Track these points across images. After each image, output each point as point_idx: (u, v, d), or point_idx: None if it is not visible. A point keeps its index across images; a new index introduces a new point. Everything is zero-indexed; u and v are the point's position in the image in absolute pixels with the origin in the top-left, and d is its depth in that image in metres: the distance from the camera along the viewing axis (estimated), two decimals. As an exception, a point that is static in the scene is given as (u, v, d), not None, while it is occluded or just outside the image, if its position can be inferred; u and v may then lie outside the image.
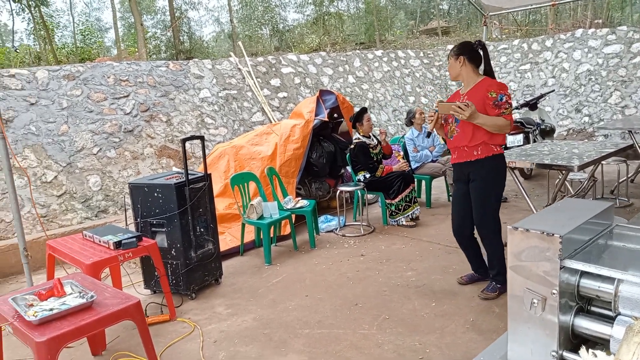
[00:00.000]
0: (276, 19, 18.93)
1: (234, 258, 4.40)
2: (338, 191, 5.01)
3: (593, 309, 0.99)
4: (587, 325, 0.94)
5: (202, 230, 3.61)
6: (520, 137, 6.35)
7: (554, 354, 0.92)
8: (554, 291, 0.90)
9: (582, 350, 0.90)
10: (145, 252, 3.13)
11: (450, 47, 11.47)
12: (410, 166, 5.47)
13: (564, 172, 3.76)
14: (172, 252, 3.51)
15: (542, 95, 7.35)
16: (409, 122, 5.78)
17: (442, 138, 5.34)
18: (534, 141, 6.44)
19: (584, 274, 0.96)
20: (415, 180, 5.29)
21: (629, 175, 5.21)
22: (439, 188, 6.01)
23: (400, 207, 4.93)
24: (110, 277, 3.50)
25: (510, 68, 10.13)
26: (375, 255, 4.20)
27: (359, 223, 5.05)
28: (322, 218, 5.18)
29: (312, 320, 3.10)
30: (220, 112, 7.42)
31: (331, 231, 4.99)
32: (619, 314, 0.90)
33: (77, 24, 19.39)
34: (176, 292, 3.55)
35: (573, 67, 9.13)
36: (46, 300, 2.30)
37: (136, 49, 17.70)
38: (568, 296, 0.94)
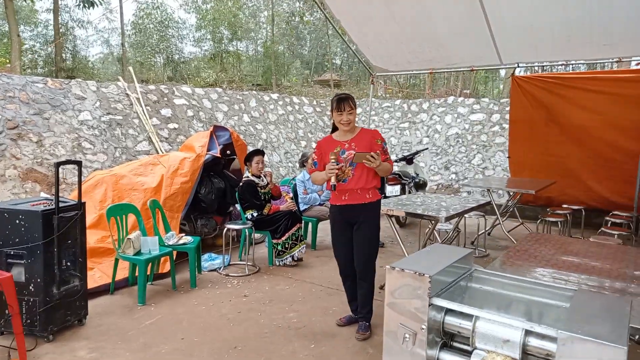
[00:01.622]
0: (172, 49, 18.53)
1: (103, 297, 4.02)
2: (225, 229, 4.92)
3: (455, 344, 1.11)
4: (450, 358, 1.05)
5: (68, 264, 3.27)
6: (397, 188, 6.90)
7: (421, 385, 1.01)
8: (423, 326, 1.00)
9: (445, 381, 1.00)
10: (-4, 286, 2.74)
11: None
12: (298, 207, 5.59)
13: (433, 222, 4.16)
14: (30, 287, 3.11)
15: (417, 152, 8.14)
16: (302, 164, 5.97)
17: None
18: (409, 192, 7.05)
19: (448, 311, 1.08)
20: (303, 221, 5.41)
21: (486, 229, 5.91)
22: (324, 230, 6.20)
23: (287, 246, 4.98)
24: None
25: (392, 125, 11.07)
26: (259, 296, 4.15)
27: (244, 262, 4.98)
28: (205, 256, 5.01)
29: (187, 364, 2.94)
30: (100, 137, 6.93)
31: (214, 270, 4.83)
32: (476, 348, 1.03)
33: None
34: (30, 334, 3.12)
35: (444, 129, 10.28)
36: None
37: (8, 61, 15.92)
38: (435, 332, 1.05)
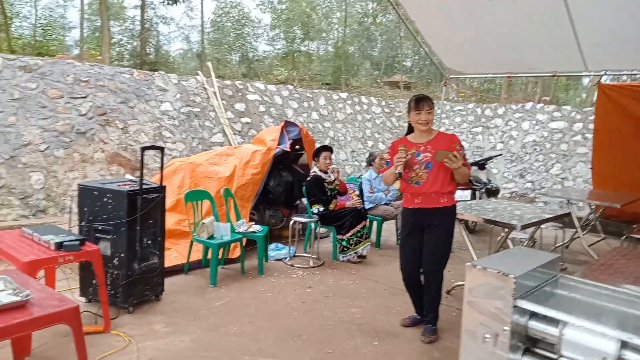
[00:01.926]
0: (247, 47, 19.15)
1: (178, 276, 4.26)
2: (291, 221, 5.03)
3: (537, 350, 1.08)
4: (534, 362, 1.02)
5: (149, 242, 3.50)
6: (468, 193, 6.69)
7: (504, 386, 0.99)
8: (506, 328, 0.98)
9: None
10: (86, 257, 2.99)
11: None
12: (363, 205, 5.60)
13: (506, 230, 4.00)
14: (115, 261, 3.36)
15: (491, 157, 7.83)
16: (369, 163, 5.97)
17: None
18: (480, 198, 6.81)
19: (532, 315, 1.04)
20: (368, 219, 5.41)
21: (564, 242, 5.58)
22: (389, 231, 6.17)
23: (351, 242, 5.00)
24: (45, 280, 3.29)
25: (464, 128, 10.74)
26: (323, 289, 4.21)
27: (309, 255, 5.07)
28: (272, 246, 5.15)
29: (253, 347, 3.04)
30: (180, 128, 7.33)
31: (280, 260, 4.96)
32: (561, 356, 0.99)
33: (39, 17, 18.71)
34: (113, 304, 3.37)
35: (521, 136, 9.82)
36: (-25, 294, 2.14)
37: (98, 53, 17.24)
38: (518, 336, 1.02)
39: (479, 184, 6.97)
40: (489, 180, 7.33)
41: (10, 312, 2.00)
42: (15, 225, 4.74)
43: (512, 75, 7.11)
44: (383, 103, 11.88)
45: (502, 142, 9.99)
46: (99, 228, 3.36)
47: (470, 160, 8.67)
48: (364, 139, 10.39)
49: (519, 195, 9.02)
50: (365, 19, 20.67)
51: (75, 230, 3.44)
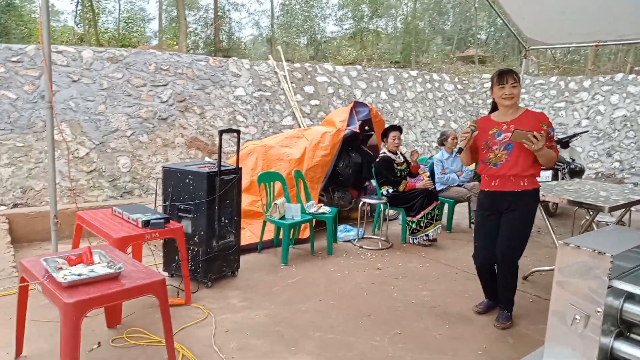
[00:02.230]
0: (315, 29, 19.17)
1: (252, 254, 4.44)
2: (360, 203, 5.03)
3: (633, 335, 1.00)
4: (627, 350, 0.95)
5: (226, 221, 3.67)
6: (549, 174, 6.29)
7: (591, 372, 0.94)
8: (599, 310, 0.91)
9: (621, 372, 0.91)
10: (171, 234, 3.20)
11: (487, 75, 11.46)
12: (434, 186, 5.46)
13: (592, 212, 3.72)
14: (195, 238, 3.57)
15: (575, 135, 7.29)
16: (441, 143, 5.79)
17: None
18: (562, 179, 6.38)
19: (627, 298, 0.97)
20: (439, 201, 5.28)
21: (657, 225, 5.12)
22: (461, 214, 5.97)
23: (421, 224, 4.91)
24: (132, 255, 3.56)
25: (545, 104, 10.06)
26: (392, 271, 4.19)
27: (378, 237, 5.06)
28: (341, 227, 5.20)
29: (324, 324, 3.12)
30: (252, 112, 7.54)
31: (349, 241, 5.00)
32: (662, 341, 0.91)
33: (122, 11, 19.93)
34: (193, 279, 3.60)
35: (609, 111, 9.02)
36: (75, 265, 2.37)
37: (175, 42, 18.10)
38: (611, 318, 0.95)
39: (562, 164, 6.52)
40: (573, 160, 6.83)
41: (105, 282, 2.21)
42: (105, 205, 5.17)
43: (600, 44, 6.52)
44: (456, 79, 11.41)
45: (588, 118, 9.24)
46: (181, 207, 3.58)
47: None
48: (435, 118, 10.08)
49: (605, 175, 8.33)
50: (436, -8, 19.86)
51: (160, 209, 3.68)
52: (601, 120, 9.04)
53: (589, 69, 13.83)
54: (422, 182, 5.17)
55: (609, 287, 0.92)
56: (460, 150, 3.13)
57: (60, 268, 2.32)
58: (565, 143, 6.97)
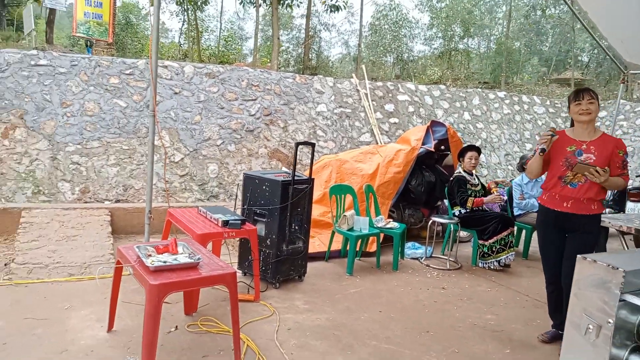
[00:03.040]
0: (402, 48, 19.27)
1: (319, 262, 4.64)
2: (430, 221, 5.04)
3: (653, 353, 1.03)
4: (640, 363, 0.99)
5: (296, 227, 3.91)
6: (642, 206, 5.81)
7: (600, 380, 0.99)
8: (610, 321, 0.97)
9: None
10: (246, 234, 3.50)
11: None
12: (511, 210, 5.30)
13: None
14: (267, 241, 3.85)
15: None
16: (521, 167, 5.62)
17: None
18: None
19: (647, 315, 1.01)
20: (516, 227, 5.11)
21: None
22: (539, 241, 5.71)
23: (493, 249, 4.80)
24: (211, 251, 3.92)
25: (648, 132, 9.26)
26: (457, 292, 4.16)
27: (446, 257, 5.01)
28: (409, 244, 5.23)
29: (381, 334, 3.20)
30: (332, 127, 7.83)
31: (416, 259, 5.02)
32: (676, 358, 0.95)
33: (223, 30, 21.51)
34: (263, 279, 3.87)
35: None
36: (162, 254, 2.72)
37: (268, 60, 19.16)
38: (626, 332, 1.00)
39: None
40: (675, 193, 6.23)
41: (185, 270, 2.51)
42: (193, 205, 5.68)
43: None
44: (547, 102, 10.88)
45: (700, 150, 8.36)
46: (257, 211, 3.88)
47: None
48: (522, 142, 9.68)
49: None
50: (533, 12, 19.06)
51: (239, 212, 4.02)
52: None
53: None
54: (490, 197, 4.99)
55: (621, 301, 0.97)
56: (543, 151, 3.03)
57: (150, 255, 2.67)
58: (665, 174, 6.40)
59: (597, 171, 2.78)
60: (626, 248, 3.63)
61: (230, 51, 20.62)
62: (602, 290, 0.99)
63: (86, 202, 5.65)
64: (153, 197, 6.07)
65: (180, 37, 20.07)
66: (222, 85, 7.34)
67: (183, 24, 18.49)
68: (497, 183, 5.59)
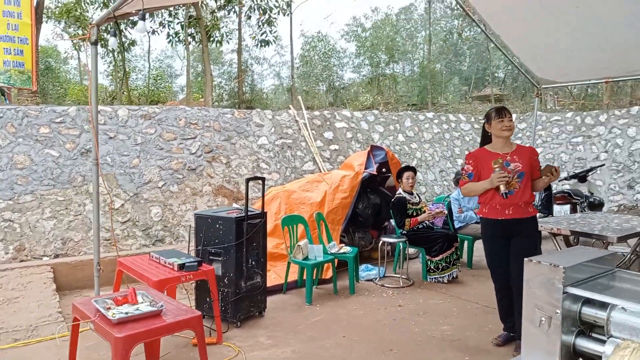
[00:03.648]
0: (333, 76, 19.96)
1: (277, 295, 4.65)
2: (380, 242, 5.22)
3: (593, 334, 1.20)
4: (585, 344, 1.16)
5: (253, 263, 3.93)
6: (567, 208, 6.39)
7: (556, 366, 1.14)
8: (558, 311, 1.13)
9: (579, 363, 1.11)
10: (204, 276, 3.47)
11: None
12: (452, 225, 5.62)
13: (604, 243, 3.84)
14: (225, 280, 3.83)
15: (592, 169, 7.39)
16: (456, 182, 6.00)
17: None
18: (582, 212, 6.44)
19: (585, 302, 1.18)
20: (458, 239, 5.42)
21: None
22: (481, 250, 6.06)
23: (439, 267, 5.05)
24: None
25: (562, 140, 10.19)
26: (413, 307, 4.33)
27: (399, 275, 5.20)
28: (362, 267, 5.38)
29: (348, 358, 3.27)
30: (275, 159, 7.93)
31: (371, 280, 5.16)
32: (610, 336, 1.12)
33: (152, 69, 21.20)
34: (223, 319, 3.82)
35: (627, 144, 9.09)
36: (121, 305, 2.65)
37: (201, 96, 19.07)
38: (571, 320, 1.17)
39: (579, 198, 6.60)
40: (591, 193, 6.91)
41: (150, 319, 2.47)
42: (139, 253, 5.50)
43: (609, 80, 6.74)
44: (472, 119, 11.68)
45: (606, 152, 9.31)
46: (212, 251, 3.86)
47: (571, 173, 8.22)
48: (453, 158, 10.29)
49: (627, 208, 8.30)
50: (451, 36, 20.52)
51: (192, 253, 3.97)
52: (620, 153, 9.10)
53: (605, 103, 13.94)
54: (423, 215, 5.25)
55: (564, 293, 1.14)
56: (506, 195, 3.13)
57: (109, 308, 2.60)
58: (582, 177, 7.08)
59: (556, 170, 3.18)
60: (559, 248, 3.98)
61: (161, 90, 20.33)
62: (548, 286, 1.15)
63: (22, 261, 5.30)
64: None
65: (106, 78, 19.54)
66: (159, 125, 7.25)
67: (109, 66, 18.05)
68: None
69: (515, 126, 11.00)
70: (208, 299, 3.80)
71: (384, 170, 6.04)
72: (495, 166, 3.15)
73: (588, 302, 1.17)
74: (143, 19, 2.94)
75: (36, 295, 4.05)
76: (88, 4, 13.98)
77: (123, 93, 16.52)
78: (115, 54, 16.51)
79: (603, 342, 1.14)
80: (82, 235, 5.78)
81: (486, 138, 3.48)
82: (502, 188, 3.11)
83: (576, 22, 5.35)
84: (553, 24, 5.51)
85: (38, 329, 3.60)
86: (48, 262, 4.92)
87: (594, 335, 1.19)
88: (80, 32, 14.54)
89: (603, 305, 1.14)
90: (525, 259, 1.23)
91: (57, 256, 5.52)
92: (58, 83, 21.75)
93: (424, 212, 5.33)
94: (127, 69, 17.00)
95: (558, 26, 5.52)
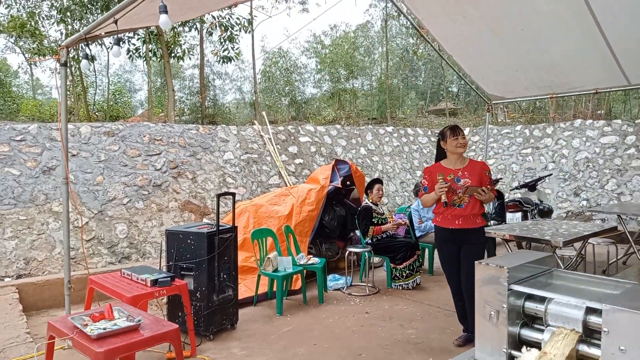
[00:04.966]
0: (295, 91, 20.23)
1: (248, 307, 4.75)
2: (347, 252, 5.43)
3: (535, 325, 1.43)
4: (528, 333, 1.38)
5: (225, 276, 4.03)
6: (518, 215, 6.80)
7: (504, 350, 1.35)
8: (504, 305, 1.35)
9: (523, 348, 1.33)
10: (177, 291, 3.54)
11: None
12: (414, 234, 5.90)
13: (551, 247, 4.18)
14: (197, 294, 3.91)
15: (540, 178, 7.90)
16: (416, 193, 6.31)
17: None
18: (532, 219, 6.89)
19: (528, 298, 1.40)
20: (420, 247, 5.70)
21: (618, 257, 5.57)
22: (441, 257, 6.39)
23: (403, 274, 5.31)
24: (141, 313, 3.86)
25: (513, 151, 10.80)
26: (379, 314, 4.54)
27: (365, 284, 5.41)
28: (330, 277, 5.55)
29: (320, 365, 3.42)
30: (241, 174, 8.03)
31: (338, 289, 5.35)
32: (548, 325, 1.34)
33: (111, 84, 20.80)
34: (196, 332, 3.88)
35: (572, 154, 9.76)
36: (98, 321, 2.71)
37: (161, 110, 18.85)
38: (515, 313, 1.39)
39: (530, 205, 7.06)
40: (541, 201, 7.39)
41: (128, 333, 2.55)
42: (106, 271, 5.46)
43: (554, 96, 7.28)
44: (429, 133, 12.18)
45: (554, 162, 9.96)
46: (184, 266, 3.93)
47: (522, 182, 8.76)
48: (412, 170, 10.69)
49: (574, 214, 8.91)
50: (407, 53, 21.28)
51: (164, 269, 4.02)
52: (566, 162, 9.76)
53: (551, 116, 14.86)
54: (387, 225, 5.54)
55: (509, 290, 1.36)
56: (446, 204, 3.51)
57: (86, 324, 2.65)
58: (532, 186, 7.57)
59: (483, 191, 3.43)
60: (510, 252, 4.29)
61: (119, 105, 19.96)
62: (495, 284, 1.37)
63: (-18, 283, 5.15)
64: (60, 266, 5.74)
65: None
66: (123, 142, 7.22)
67: (66, 80, 17.57)
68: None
69: (468, 140, 11.58)
70: (180, 313, 3.86)
71: (348, 183, 6.28)
72: (439, 178, 3.52)
73: (530, 297, 1.39)
74: (118, 43, 3.05)
75: (2, 316, 3.98)
76: (43, 18, 13.66)
77: (81, 108, 16.13)
78: (73, 69, 16.14)
79: (542, 331, 1.36)
80: (46, 254, 5.68)
81: (441, 153, 3.77)
82: (442, 197, 3.49)
83: (520, 44, 5.82)
84: (500, 45, 5.96)
85: (5, 350, 3.54)
86: (13, 283, 4.82)
87: (535, 326, 1.41)
88: (35, 45, 14.16)
89: (542, 300, 1.36)
90: (476, 262, 1.43)
91: (19, 276, 5.40)
92: (10, 98, 20.94)
93: (389, 222, 5.59)
94: (85, 84, 16.63)
95: (504, 47, 5.98)
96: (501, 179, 9.21)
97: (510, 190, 9.00)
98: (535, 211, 7.11)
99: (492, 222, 6.66)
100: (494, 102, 7.63)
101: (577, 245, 4.75)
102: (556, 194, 9.49)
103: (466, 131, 12.05)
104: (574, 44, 5.61)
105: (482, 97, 7.81)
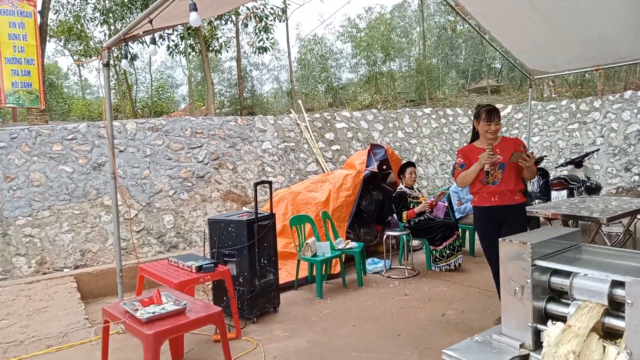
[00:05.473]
0: (331, 78, 20.18)
1: (289, 291, 4.89)
2: (385, 236, 5.45)
3: (562, 300, 1.43)
4: (554, 307, 1.39)
5: (265, 262, 4.17)
6: (564, 193, 6.58)
7: (529, 325, 1.36)
8: (528, 281, 1.36)
9: (549, 322, 1.34)
10: (220, 276, 3.71)
11: (499, 105, 11.91)
12: (453, 216, 5.83)
13: (596, 224, 4.05)
14: (240, 279, 4.07)
15: (587, 154, 7.57)
16: (453, 174, 6.22)
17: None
18: (580, 196, 6.64)
19: (554, 273, 1.41)
20: (460, 229, 5.64)
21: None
22: (483, 239, 6.29)
23: (444, 255, 5.28)
24: (188, 298, 4.07)
25: (559, 127, 10.38)
26: (419, 296, 4.56)
27: (404, 267, 5.43)
28: (369, 260, 5.61)
29: (359, 345, 3.51)
30: (279, 162, 8.17)
31: (377, 273, 5.39)
32: (574, 299, 1.34)
33: (154, 80, 21.50)
34: (240, 316, 4.06)
35: (622, 127, 9.27)
36: (148, 306, 2.89)
37: (202, 104, 19.33)
38: (541, 288, 1.39)
39: (576, 183, 6.80)
40: (588, 178, 7.10)
41: (175, 316, 2.71)
42: (155, 259, 5.74)
43: (599, 68, 6.93)
44: (470, 112, 11.88)
45: (602, 136, 9.50)
46: (226, 253, 4.10)
47: (568, 159, 8.42)
48: (453, 151, 10.49)
49: (626, 190, 8.49)
50: (445, 31, 20.71)
51: (208, 256, 4.21)
52: (615, 137, 9.28)
53: (599, 89, 14.11)
54: (419, 206, 5.47)
55: (533, 265, 1.36)
56: (488, 174, 3.45)
57: (137, 309, 2.84)
58: (578, 163, 7.27)
59: (528, 156, 3.36)
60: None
61: (163, 100, 20.61)
62: (519, 260, 1.38)
63: (45, 273, 5.56)
64: (113, 256, 6.09)
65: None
66: (167, 136, 7.50)
67: (112, 80, 18.35)
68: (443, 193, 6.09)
69: (511, 117, 11.20)
70: (225, 298, 4.04)
71: (384, 167, 6.27)
72: (488, 148, 3.44)
73: (556, 272, 1.39)
74: (154, 42, 3.19)
75: (63, 304, 4.31)
76: (88, 21, 14.27)
77: (127, 106, 16.81)
78: (117, 68, 16.82)
79: (568, 305, 1.36)
80: (99, 245, 6.04)
81: (476, 134, 3.71)
82: (486, 167, 3.40)
83: (561, 16, 5.56)
84: (539, 19, 5.72)
85: (68, 335, 3.85)
86: (71, 273, 5.18)
87: (562, 300, 1.41)
88: (82, 47, 14.85)
89: (568, 275, 1.37)
90: (500, 239, 1.45)
91: (77, 267, 5.78)
92: (62, 99, 22.10)
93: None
94: (129, 82, 17.29)
95: (544, 20, 5.73)
96: (546, 156, 8.90)
97: (556, 167, 8.68)
98: (582, 188, 6.85)
99: (536, 201, 6.47)
100: (536, 77, 7.35)
101: (625, 222, 4.55)
102: (605, 169, 9.07)
103: (509, 109, 11.65)
104: (620, 15, 5.31)
105: (523, 73, 7.55)
